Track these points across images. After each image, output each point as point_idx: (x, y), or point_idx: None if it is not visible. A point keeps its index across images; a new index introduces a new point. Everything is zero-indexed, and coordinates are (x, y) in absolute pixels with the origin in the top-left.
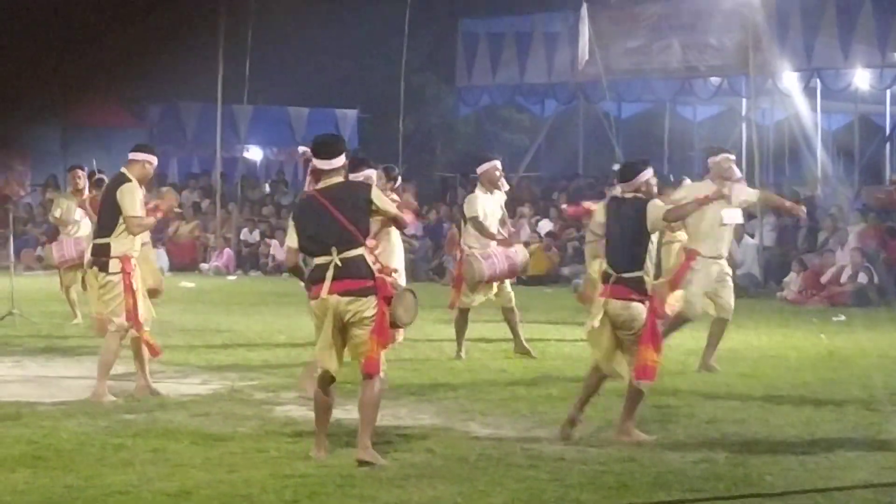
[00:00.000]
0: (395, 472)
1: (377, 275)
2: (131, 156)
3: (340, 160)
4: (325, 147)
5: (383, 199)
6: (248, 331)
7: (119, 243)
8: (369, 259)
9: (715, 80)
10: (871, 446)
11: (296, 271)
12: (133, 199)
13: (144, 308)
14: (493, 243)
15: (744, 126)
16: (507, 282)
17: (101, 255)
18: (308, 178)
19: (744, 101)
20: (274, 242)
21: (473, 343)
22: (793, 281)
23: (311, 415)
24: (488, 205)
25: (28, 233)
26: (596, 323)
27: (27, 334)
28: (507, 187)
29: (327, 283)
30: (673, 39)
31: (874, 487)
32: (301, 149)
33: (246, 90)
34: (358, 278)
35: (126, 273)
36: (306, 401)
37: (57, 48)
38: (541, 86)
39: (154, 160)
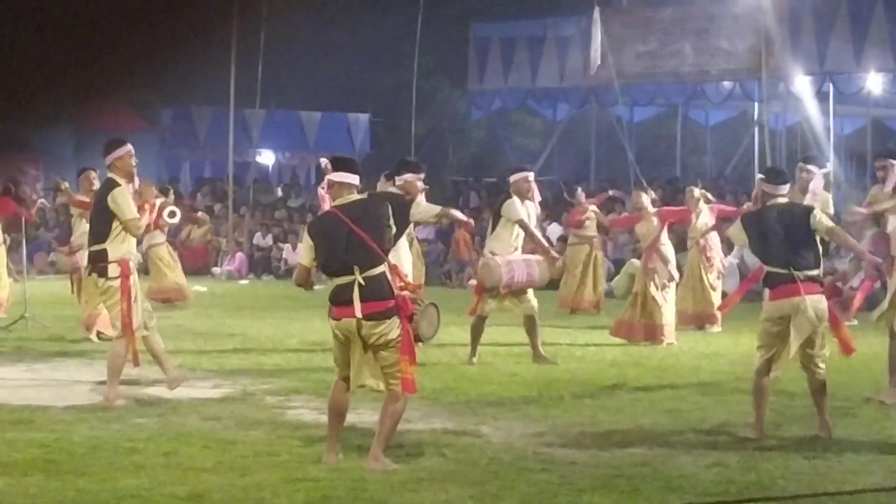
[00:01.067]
0: (407, 476)
1: (398, 293)
2: (108, 159)
3: (357, 177)
4: (346, 162)
5: (393, 220)
6: (259, 335)
7: (115, 248)
8: (390, 277)
9: (727, 84)
10: (883, 450)
11: (305, 288)
12: (125, 201)
13: (140, 313)
14: (517, 252)
15: (756, 130)
16: (531, 291)
17: (98, 262)
18: (322, 194)
19: (756, 105)
20: (286, 246)
21: (486, 347)
22: None
23: (323, 419)
24: (522, 213)
25: (40, 237)
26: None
27: (39, 338)
28: (539, 198)
29: (357, 306)
30: (685, 43)
31: (886, 491)
32: (323, 161)
33: (258, 94)
34: (381, 299)
35: (124, 277)
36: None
37: (69, 52)
38: (553, 90)
39: (129, 148)
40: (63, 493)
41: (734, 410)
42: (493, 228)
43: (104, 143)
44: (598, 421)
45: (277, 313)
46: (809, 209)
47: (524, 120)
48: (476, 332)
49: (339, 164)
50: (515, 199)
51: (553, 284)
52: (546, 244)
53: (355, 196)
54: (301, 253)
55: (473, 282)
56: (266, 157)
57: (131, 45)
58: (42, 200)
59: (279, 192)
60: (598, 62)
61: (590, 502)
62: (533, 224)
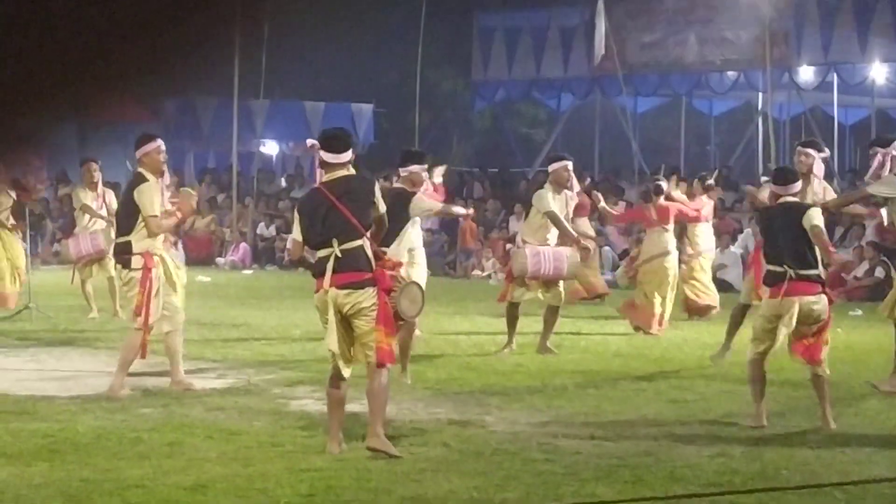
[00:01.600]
0: (411, 466)
1: (377, 267)
2: (139, 152)
3: (347, 155)
4: (334, 141)
5: (381, 201)
6: (263, 325)
7: (140, 240)
8: (369, 251)
9: (731, 74)
10: (888, 441)
11: (301, 263)
12: (150, 198)
13: (160, 307)
14: (550, 244)
15: (760, 120)
16: (561, 282)
17: (123, 253)
18: (319, 172)
19: (760, 95)
20: (290, 237)
21: (490, 337)
22: None
23: (326, 409)
24: (555, 204)
25: (44, 227)
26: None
27: (43, 328)
28: (577, 188)
29: (328, 276)
30: (689, 33)
31: (890, 482)
32: (309, 142)
33: (262, 85)
34: (356, 270)
35: (146, 269)
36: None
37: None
38: (557, 80)
39: (159, 143)
40: (67, 483)
41: (738, 401)
42: (526, 217)
43: (136, 138)
44: (602, 411)
45: (281, 303)
46: (806, 207)
47: (528, 110)
48: (511, 319)
49: (328, 144)
50: (547, 189)
51: None
52: (574, 235)
53: (342, 173)
54: (294, 228)
55: (478, 272)
56: (270, 148)
57: (135, 36)
58: (41, 188)
59: (283, 183)
60: (603, 52)
61: (594, 492)
62: (565, 214)
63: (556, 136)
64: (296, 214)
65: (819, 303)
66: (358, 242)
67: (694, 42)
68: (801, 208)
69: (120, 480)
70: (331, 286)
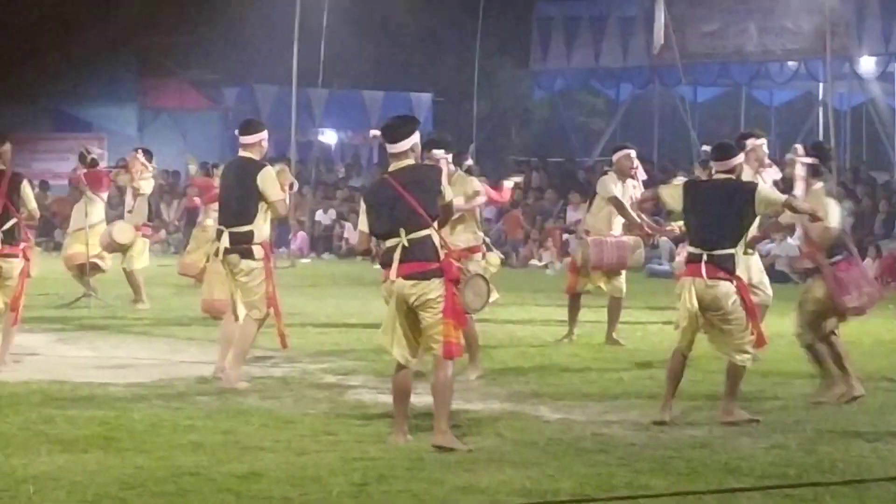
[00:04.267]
0: (464, 456)
1: (444, 258)
2: (245, 139)
3: (409, 142)
4: (393, 130)
5: (448, 189)
6: (319, 313)
7: (260, 229)
8: (436, 241)
9: (792, 63)
10: None
11: (367, 255)
12: (276, 183)
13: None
14: (614, 234)
15: (820, 111)
16: (623, 273)
17: (242, 243)
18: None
19: (821, 85)
20: (348, 225)
21: (545, 327)
22: (869, 267)
23: (382, 398)
24: (618, 190)
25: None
26: (691, 304)
27: (101, 316)
28: (644, 177)
29: (395, 266)
30: (749, 23)
31: None
32: (372, 132)
33: (321, 74)
34: (423, 261)
35: (266, 259)
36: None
37: (133, 31)
38: (616, 69)
39: (266, 135)
40: (122, 471)
41: (794, 393)
42: (590, 206)
43: (243, 125)
44: (657, 402)
45: (338, 292)
46: (749, 186)
47: (587, 100)
48: (573, 309)
49: (388, 134)
50: (611, 176)
51: None
52: (639, 221)
53: (407, 162)
54: (360, 219)
55: (535, 262)
56: (328, 137)
57: (195, 25)
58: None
59: (341, 172)
60: (662, 42)
61: (647, 484)
62: (630, 203)
63: (614, 126)
64: (362, 205)
65: (719, 288)
66: (425, 232)
67: (754, 31)
68: (741, 186)
69: (174, 468)
70: (397, 276)
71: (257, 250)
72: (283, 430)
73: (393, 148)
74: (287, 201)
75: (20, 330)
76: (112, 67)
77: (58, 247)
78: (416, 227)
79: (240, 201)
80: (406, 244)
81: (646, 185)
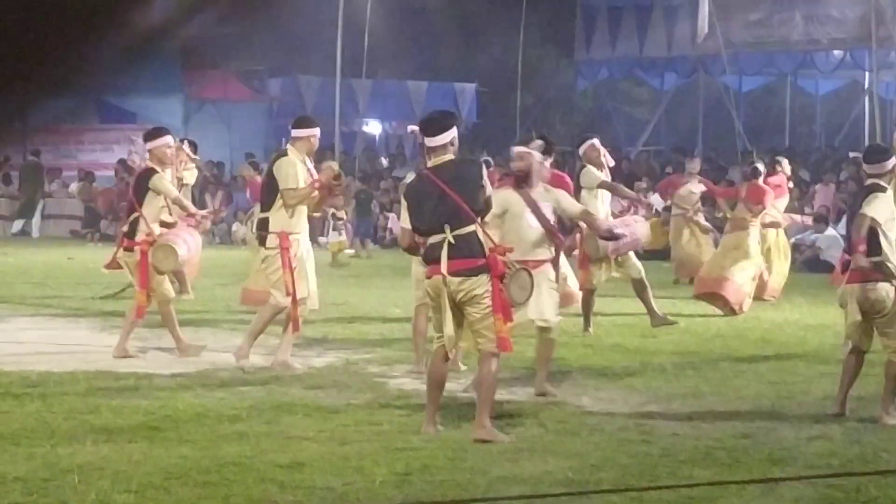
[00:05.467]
0: (507, 446)
1: (489, 253)
2: (295, 132)
3: (447, 136)
4: (432, 124)
5: (488, 184)
6: (363, 304)
7: (276, 219)
8: (482, 236)
9: (837, 52)
10: None
11: (412, 251)
12: (287, 172)
13: (304, 286)
14: (610, 218)
15: (866, 100)
16: (632, 254)
17: (261, 230)
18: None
19: (867, 74)
20: (391, 216)
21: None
22: None
23: (425, 388)
24: (602, 175)
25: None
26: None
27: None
28: (612, 163)
29: (444, 262)
30: (794, 11)
31: None
32: (410, 128)
33: (364, 64)
34: (470, 257)
35: (283, 249)
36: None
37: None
38: (660, 59)
39: (317, 132)
40: (166, 460)
41: (839, 383)
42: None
43: (296, 119)
44: (700, 392)
45: (381, 282)
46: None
47: (631, 89)
48: (587, 305)
49: (426, 128)
50: (588, 168)
51: (660, 254)
52: (634, 195)
53: (447, 156)
54: (402, 216)
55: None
56: (373, 128)
57: (239, 16)
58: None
59: (385, 162)
60: (706, 31)
61: (690, 474)
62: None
63: (659, 116)
64: (403, 201)
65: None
66: (471, 228)
67: (799, 20)
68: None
69: (218, 458)
70: (444, 273)
71: (271, 239)
72: (326, 420)
73: (431, 142)
74: (314, 196)
75: (65, 321)
76: (156, 58)
77: (104, 238)
78: (461, 224)
79: (264, 190)
80: (452, 241)
81: (612, 170)
